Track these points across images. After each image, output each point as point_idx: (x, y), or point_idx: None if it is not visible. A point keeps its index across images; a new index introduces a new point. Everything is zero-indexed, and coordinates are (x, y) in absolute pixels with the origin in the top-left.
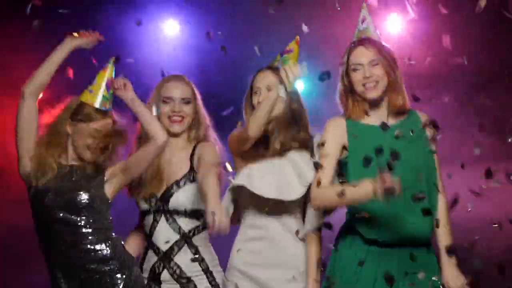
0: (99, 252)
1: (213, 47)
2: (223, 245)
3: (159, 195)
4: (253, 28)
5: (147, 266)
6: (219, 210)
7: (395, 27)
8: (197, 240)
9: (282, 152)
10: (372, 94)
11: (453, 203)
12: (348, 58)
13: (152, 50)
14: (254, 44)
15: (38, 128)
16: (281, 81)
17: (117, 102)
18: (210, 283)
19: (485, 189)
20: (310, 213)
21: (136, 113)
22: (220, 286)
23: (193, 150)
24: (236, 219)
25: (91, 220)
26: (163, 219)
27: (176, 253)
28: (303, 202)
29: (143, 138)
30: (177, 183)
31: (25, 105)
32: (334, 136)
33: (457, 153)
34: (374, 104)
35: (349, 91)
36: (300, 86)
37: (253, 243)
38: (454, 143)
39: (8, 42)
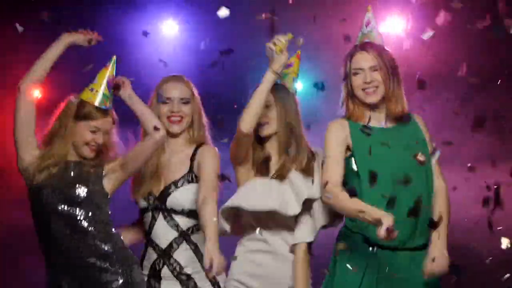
0: (99, 247)
1: (213, 47)
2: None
3: (157, 194)
4: (253, 29)
5: (147, 263)
6: (217, 258)
7: (394, 28)
8: (196, 237)
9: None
10: (372, 99)
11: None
12: (349, 62)
13: (151, 50)
14: (254, 44)
15: (36, 123)
16: (268, 56)
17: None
18: (210, 280)
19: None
20: (303, 226)
21: (133, 109)
22: (221, 284)
23: (194, 152)
24: (241, 230)
25: (90, 215)
26: (161, 217)
27: (175, 250)
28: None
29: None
30: (175, 183)
31: (22, 101)
32: (337, 137)
33: (457, 153)
34: (373, 107)
35: (351, 94)
36: (299, 86)
37: (253, 255)
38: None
39: (8, 42)
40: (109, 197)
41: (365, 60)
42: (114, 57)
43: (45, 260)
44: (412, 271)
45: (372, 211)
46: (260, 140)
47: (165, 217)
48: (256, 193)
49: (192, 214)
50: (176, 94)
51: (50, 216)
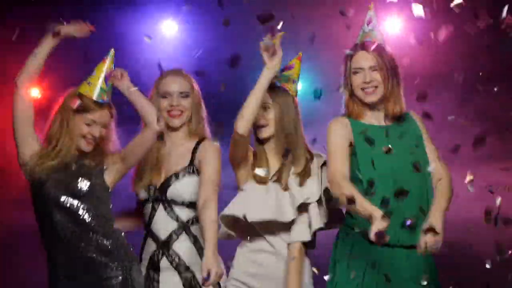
0: (100, 242)
1: (213, 47)
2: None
3: (158, 185)
4: (252, 29)
5: (147, 254)
6: (215, 268)
7: (394, 28)
8: (196, 229)
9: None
10: (371, 99)
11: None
12: (350, 61)
13: (151, 50)
14: (253, 44)
15: (34, 118)
16: (263, 54)
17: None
18: None
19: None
20: (298, 225)
21: (132, 101)
22: (221, 284)
23: (196, 146)
24: (243, 234)
25: (92, 209)
26: (161, 208)
27: (175, 241)
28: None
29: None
30: (176, 174)
31: (19, 95)
32: (340, 134)
33: (457, 153)
34: (373, 106)
35: (350, 93)
36: (298, 86)
37: (255, 255)
38: (454, 143)
39: (7, 42)
40: (110, 191)
41: (365, 59)
42: (112, 51)
43: (47, 255)
44: (411, 270)
45: (367, 210)
46: (259, 141)
47: (165, 208)
48: (252, 203)
49: (192, 205)
50: (176, 88)
51: (52, 210)
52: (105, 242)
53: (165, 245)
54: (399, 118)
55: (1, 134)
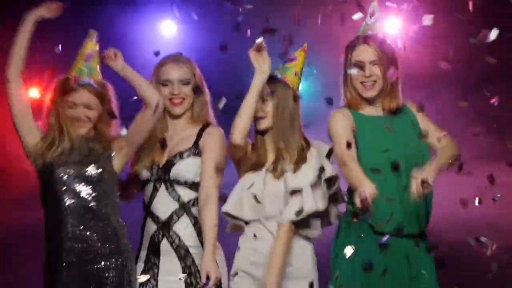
0: (105, 229)
1: (212, 47)
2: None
3: (161, 164)
4: (252, 28)
5: (147, 236)
6: (214, 273)
7: (393, 28)
8: (196, 210)
9: (276, 166)
10: (369, 94)
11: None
12: (351, 53)
13: (150, 50)
14: (253, 44)
15: (30, 105)
16: (253, 61)
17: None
18: None
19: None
20: (289, 206)
21: (128, 80)
22: (218, 263)
23: (200, 132)
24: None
25: (101, 194)
26: (163, 187)
27: (176, 222)
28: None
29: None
30: (180, 154)
31: (11, 87)
32: (342, 123)
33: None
34: (371, 100)
35: (349, 85)
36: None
37: (255, 243)
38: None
39: (6, 42)
40: (118, 176)
41: (366, 53)
42: (91, 31)
43: (49, 244)
44: (415, 259)
45: (358, 179)
46: (258, 132)
47: (167, 188)
48: (246, 203)
49: (195, 186)
50: (176, 76)
51: (63, 195)
52: (109, 232)
53: (165, 226)
54: (396, 110)
55: (1, 134)
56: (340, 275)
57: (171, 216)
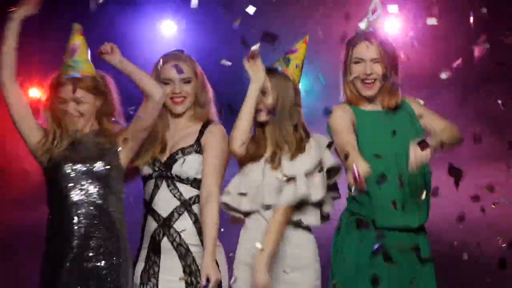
0: (109, 225)
1: (212, 47)
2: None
3: (163, 160)
4: (252, 28)
5: (147, 234)
6: (214, 275)
7: (392, 28)
8: (197, 208)
9: (274, 157)
10: (369, 92)
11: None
12: (351, 49)
13: (150, 50)
14: (253, 44)
15: (29, 104)
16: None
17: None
18: None
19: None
20: (284, 191)
21: (127, 73)
22: (219, 261)
23: (202, 129)
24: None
25: (108, 191)
26: (164, 185)
27: (176, 220)
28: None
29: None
30: (182, 150)
31: (7, 90)
32: (343, 117)
33: (457, 153)
34: (370, 98)
35: (349, 81)
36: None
37: (255, 234)
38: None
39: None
40: (123, 171)
41: (368, 51)
42: (75, 25)
43: (50, 244)
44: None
45: (354, 158)
46: (258, 124)
47: (168, 185)
48: (245, 194)
49: (196, 183)
50: (177, 75)
51: (70, 191)
52: (111, 228)
53: (166, 224)
54: (395, 107)
55: (1, 134)
56: (342, 272)
57: (172, 214)
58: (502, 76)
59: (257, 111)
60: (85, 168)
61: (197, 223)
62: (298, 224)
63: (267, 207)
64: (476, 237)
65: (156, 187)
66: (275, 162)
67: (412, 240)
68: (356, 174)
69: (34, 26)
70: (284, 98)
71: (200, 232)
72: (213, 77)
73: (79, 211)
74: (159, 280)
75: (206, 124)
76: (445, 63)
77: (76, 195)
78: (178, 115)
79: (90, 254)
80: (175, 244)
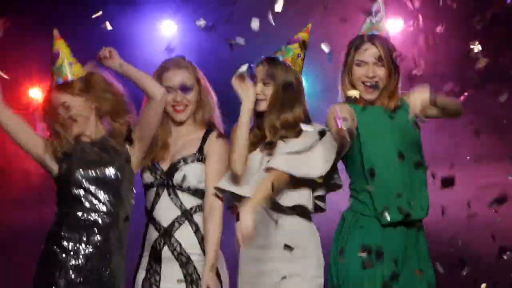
0: (116, 229)
1: (211, 47)
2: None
3: (165, 168)
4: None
5: (149, 243)
6: (214, 287)
7: (393, 28)
8: (198, 217)
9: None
10: (370, 96)
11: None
12: (354, 51)
13: (150, 50)
14: (253, 44)
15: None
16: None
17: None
18: None
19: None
20: (276, 156)
21: (128, 76)
22: (219, 269)
23: (205, 136)
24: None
25: (118, 197)
26: (165, 193)
27: (177, 229)
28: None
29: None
30: (184, 159)
31: (3, 117)
32: (343, 110)
33: (457, 153)
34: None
35: (349, 81)
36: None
37: (256, 226)
38: (454, 141)
39: (7, 42)
40: (134, 176)
41: (371, 54)
42: (54, 30)
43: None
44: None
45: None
46: (257, 114)
47: (169, 194)
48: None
49: (198, 193)
50: (179, 82)
51: (82, 197)
52: (117, 233)
53: (167, 233)
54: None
55: (1, 134)
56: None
57: (172, 223)
58: (502, 76)
59: (257, 101)
60: (96, 174)
61: (198, 232)
62: (294, 210)
63: None
64: (476, 237)
65: (157, 195)
66: (269, 150)
67: (413, 238)
68: (337, 114)
69: (34, 26)
70: (284, 87)
71: (201, 241)
72: (213, 77)
73: (88, 217)
74: None
75: (209, 130)
76: (445, 62)
77: (87, 201)
78: (181, 122)
79: (93, 260)
80: (175, 253)
